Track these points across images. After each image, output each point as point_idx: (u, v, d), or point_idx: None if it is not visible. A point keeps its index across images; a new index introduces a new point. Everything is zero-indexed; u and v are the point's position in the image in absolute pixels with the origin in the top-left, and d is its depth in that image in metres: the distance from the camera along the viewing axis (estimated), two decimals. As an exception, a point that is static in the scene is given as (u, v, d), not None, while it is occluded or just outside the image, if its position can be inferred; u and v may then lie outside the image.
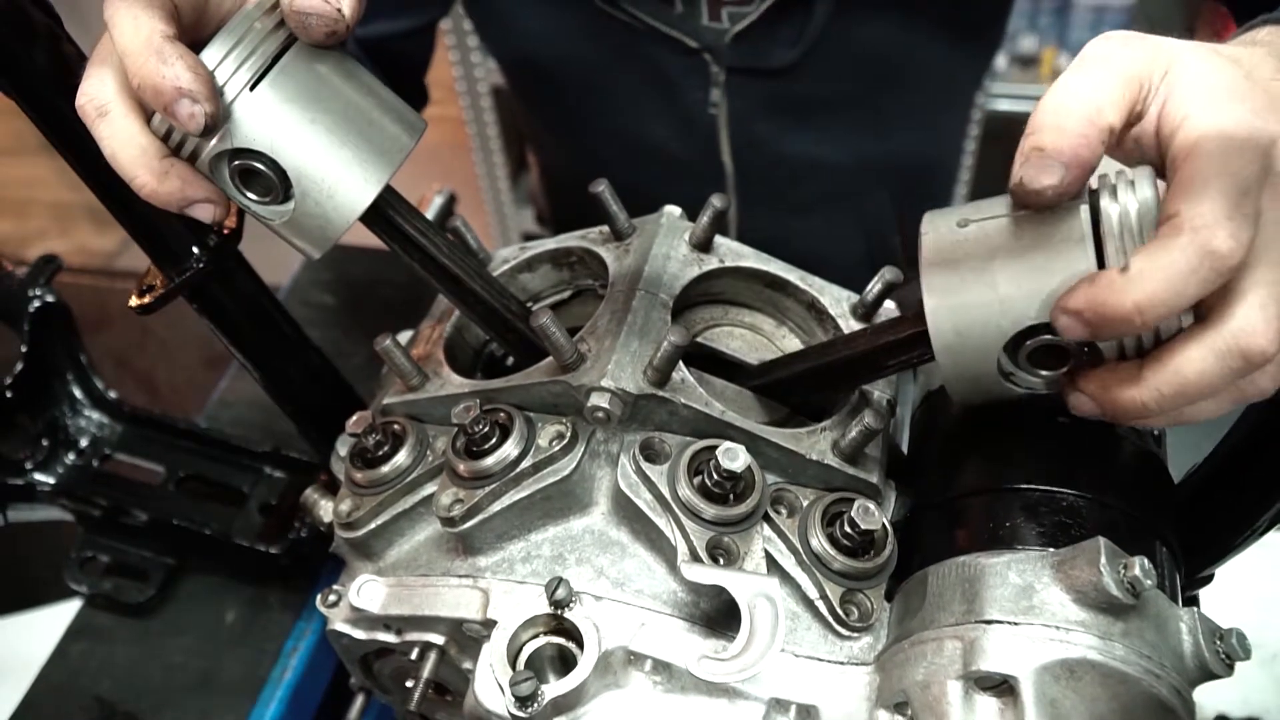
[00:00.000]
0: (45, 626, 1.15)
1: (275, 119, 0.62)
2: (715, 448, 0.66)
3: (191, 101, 0.58)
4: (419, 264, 0.72)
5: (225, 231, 0.77)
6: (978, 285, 0.60)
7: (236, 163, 0.63)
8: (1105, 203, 0.57)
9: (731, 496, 0.67)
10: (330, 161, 0.63)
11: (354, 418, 0.76)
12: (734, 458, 0.65)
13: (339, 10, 0.60)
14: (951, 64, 1.36)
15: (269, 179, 0.63)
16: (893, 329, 0.69)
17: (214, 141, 0.61)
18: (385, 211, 0.69)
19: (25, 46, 0.66)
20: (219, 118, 0.60)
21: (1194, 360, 0.55)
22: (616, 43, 1.24)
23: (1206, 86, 0.57)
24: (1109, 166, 0.60)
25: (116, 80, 0.62)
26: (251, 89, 0.61)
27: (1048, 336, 0.59)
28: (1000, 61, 3.18)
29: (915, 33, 1.24)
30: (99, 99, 0.61)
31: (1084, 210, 0.58)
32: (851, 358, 0.72)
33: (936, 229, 0.64)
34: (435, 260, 0.71)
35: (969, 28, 1.29)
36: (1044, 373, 0.62)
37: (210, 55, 0.60)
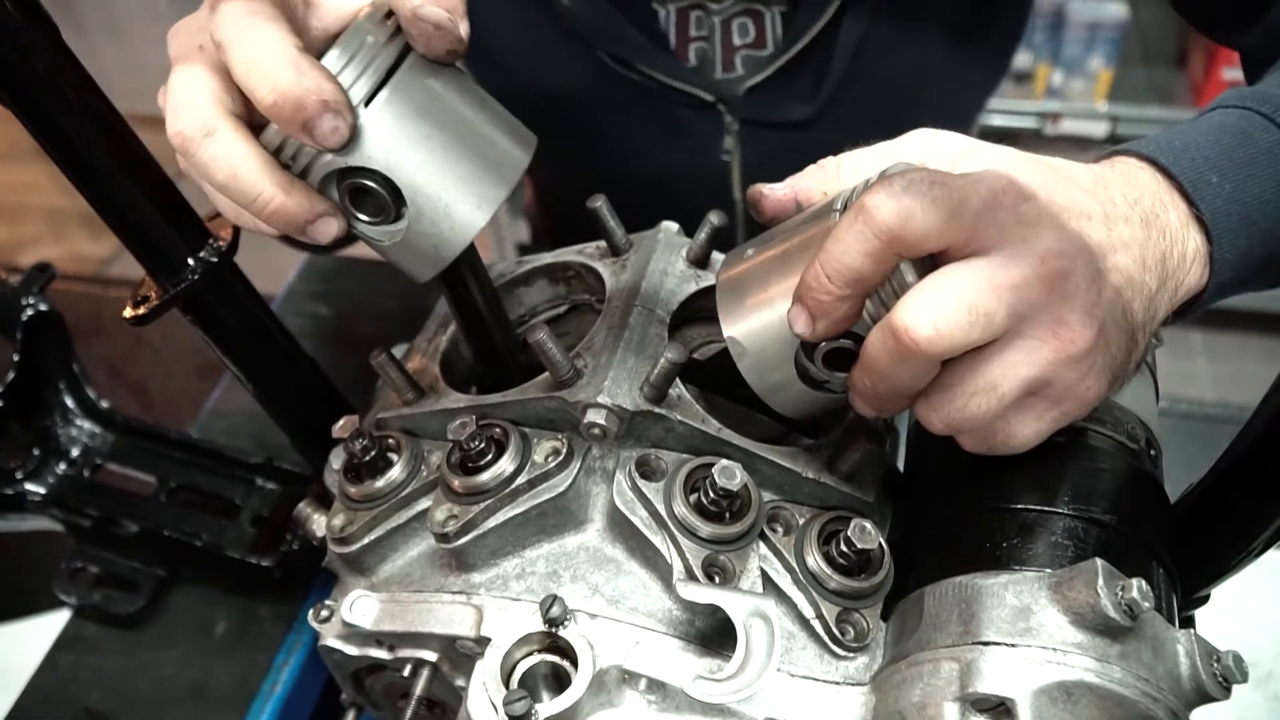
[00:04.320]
0: (34, 637, 1.14)
1: (392, 135, 0.60)
2: (712, 465, 0.66)
3: (334, 114, 0.57)
4: (454, 302, 0.74)
5: (221, 244, 0.77)
6: (760, 305, 0.64)
7: (347, 182, 0.61)
8: None
9: (728, 514, 0.67)
10: (447, 179, 0.62)
11: (341, 422, 0.76)
12: (731, 476, 0.64)
13: (460, 27, 0.60)
14: (964, 92, 1.35)
15: (381, 198, 0.62)
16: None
17: (328, 159, 0.59)
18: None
19: (21, 54, 0.65)
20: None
21: (874, 335, 0.58)
22: (628, 97, 1.23)
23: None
24: (861, 177, 0.65)
25: (215, 100, 0.60)
26: (367, 104, 0.59)
27: (826, 344, 0.62)
28: (996, 77, 3.18)
29: (931, 66, 1.23)
30: (201, 120, 0.59)
31: (837, 218, 0.61)
32: None
33: (728, 264, 0.69)
34: (473, 307, 0.73)
35: (982, 54, 1.28)
36: (840, 375, 0.64)
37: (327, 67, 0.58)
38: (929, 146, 0.69)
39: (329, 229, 0.63)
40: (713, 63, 1.22)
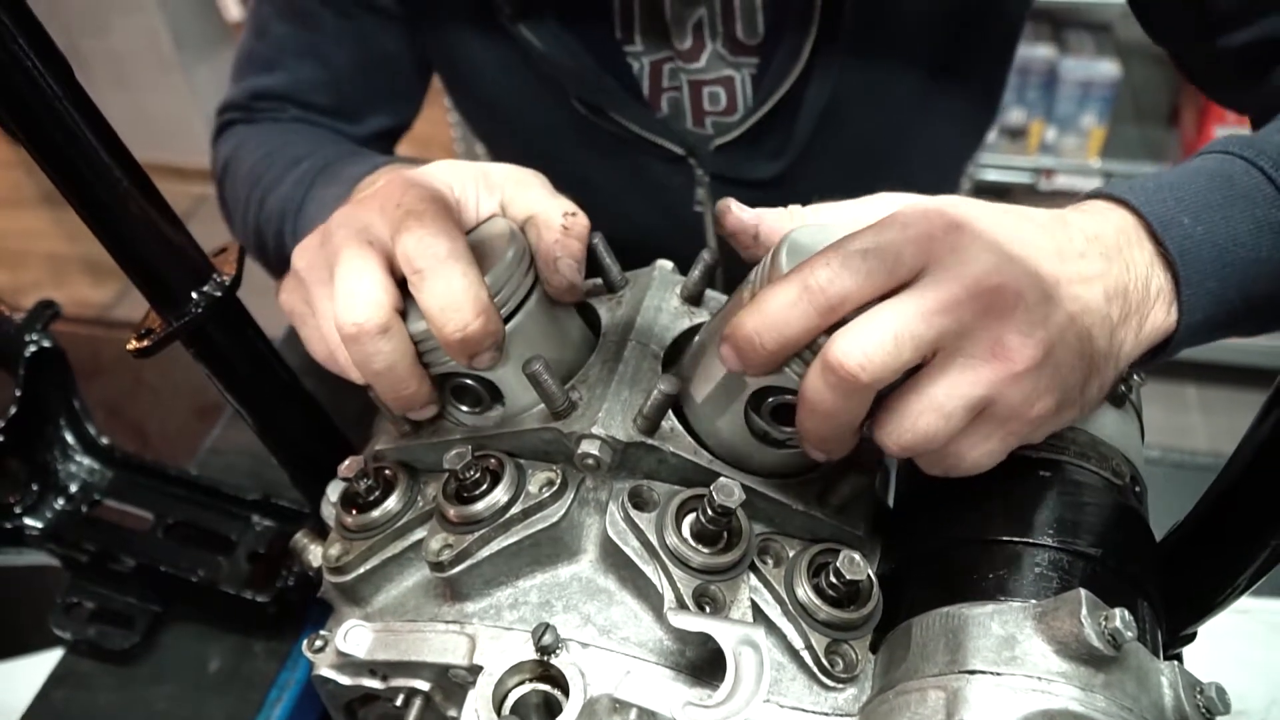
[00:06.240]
0: (28, 674, 1.14)
1: (511, 355, 0.70)
2: (703, 496, 0.67)
3: (495, 348, 0.68)
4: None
5: (225, 278, 0.78)
6: (709, 371, 0.69)
7: (457, 380, 0.71)
8: None
9: (723, 537, 0.67)
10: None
11: (346, 462, 0.77)
12: (729, 493, 0.65)
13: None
14: (941, 148, 1.37)
15: (479, 394, 0.73)
16: None
17: (456, 364, 0.69)
18: None
19: (35, 90, 0.67)
20: None
21: (812, 377, 0.61)
22: (603, 145, 1.26)
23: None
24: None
25: (388, 299, 0.67)
26: None
27: (772, 399, 0.67)
28: (990, 134, 3.26)
29: (903, 123, 1.25)
30: (378, 319, 0.67)
31: (746, 297, 0.66)
32: None
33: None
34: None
35: (957, 110, 1.30)
36: (788, 429, 0.68)
37: None
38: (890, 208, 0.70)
39: (429, 413, 0.74)
40: (684, 116, 1.24)
